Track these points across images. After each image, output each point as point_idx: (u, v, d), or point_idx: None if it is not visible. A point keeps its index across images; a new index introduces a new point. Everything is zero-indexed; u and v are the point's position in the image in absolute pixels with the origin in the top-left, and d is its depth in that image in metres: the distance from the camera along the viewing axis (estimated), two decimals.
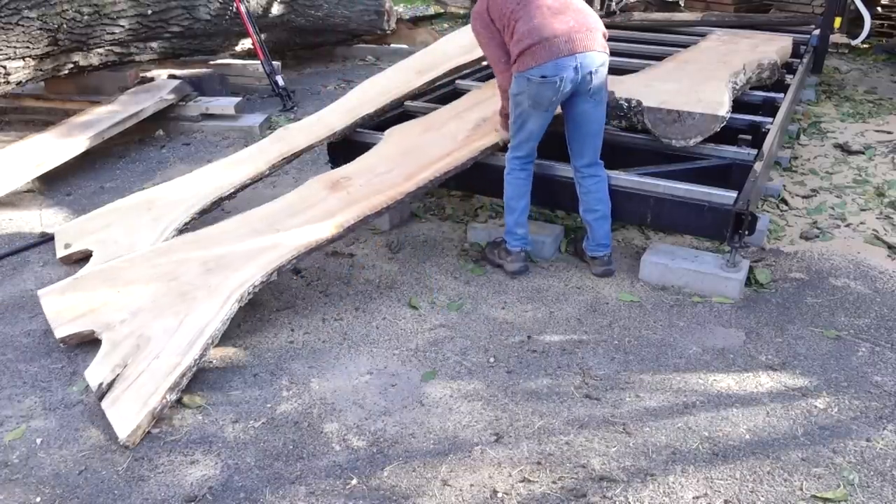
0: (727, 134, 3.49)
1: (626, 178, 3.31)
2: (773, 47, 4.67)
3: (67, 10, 4.70)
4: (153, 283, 2.84)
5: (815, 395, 2.53)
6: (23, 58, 4.59)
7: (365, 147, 3.67)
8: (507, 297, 3.13)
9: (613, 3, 6.86)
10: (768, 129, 3.62)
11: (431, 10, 9.80)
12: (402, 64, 4.38)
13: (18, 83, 4.73)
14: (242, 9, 5.57)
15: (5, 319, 3.00)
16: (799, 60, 5.06)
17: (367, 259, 3.46)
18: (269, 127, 5.22)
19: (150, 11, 5.25)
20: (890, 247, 3.53)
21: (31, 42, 4.55)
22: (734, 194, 3.07)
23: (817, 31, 5.64)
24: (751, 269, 3.22)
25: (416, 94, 4.18)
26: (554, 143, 3.27)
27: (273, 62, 5.72)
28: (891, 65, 6.97)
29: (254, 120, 5.22)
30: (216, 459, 2.28)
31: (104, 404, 2.43)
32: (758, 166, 3.23)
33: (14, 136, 4.65)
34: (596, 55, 2.91)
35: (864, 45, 7.27)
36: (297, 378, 2.65)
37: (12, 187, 4.00)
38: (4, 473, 2.24)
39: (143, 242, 3.21)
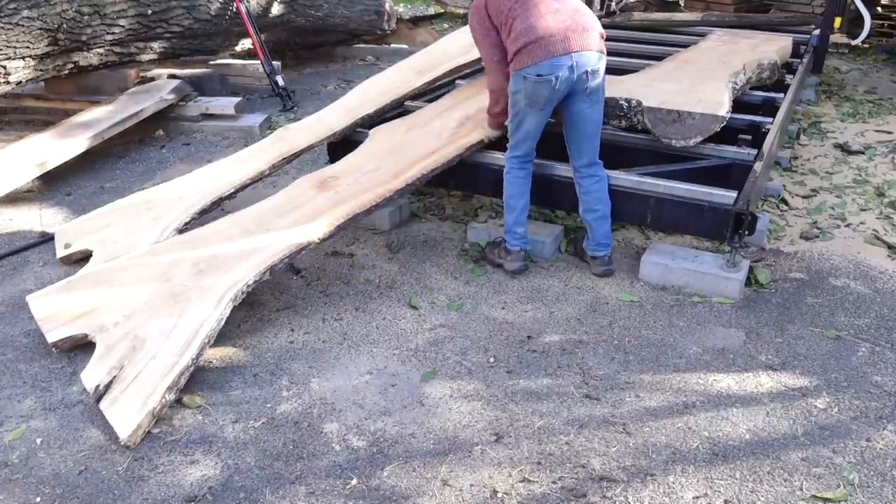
0: (727, 134, 3.49)
1: (626, 178, 3.31)
2: (773, 47, 4.67)
3: (67, 10, 4.70)
4: (145, 285, 2.84)
5: (815, 395, 2.53)
6: (23, 58, 4.59)
7: None
8: (507, 297, 3.13)
9: (613, 3, 6.86)
10: (768, 129, 3.62)
11: (431, 10, 9.79)
12: (402, 64, 4.38)
13: (18, 83, 4.73)
14: (242, 9, 5.57)
15: (5, 319, 3.00)
16: (799, 60, 5.06)
17: (367, 259, 3.46)
18: (269, 127, 5.22)
19: (150, 11, 5.25)
20: (890, 247, 3.53)
21: (31, 42, 4.55)
22: (734, 194, 3.07)
23: (817, 31, 5.64)
24: (751, 269, 3.22)
25: (416, 94, 4.19)
26: (553, 143, 3.27)
27: (273, 62, 5.72)
28: (891, 65, 6.97)
29: (254, 120, 5.22)
30: (216, 459, 2.28)
31: (102, 406, 2.43)
32: (758, 166, 3.23)
33: (14, 136, 4.65)
34: (591, 55, 2.92)
35: (864, 45, 7.27)
36: (297, 378, 2.65)
37: (12, 187, 4.00)
38: (4, 473, 2.24)
39: (143, 242, 3.21)
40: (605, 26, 3.10)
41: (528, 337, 2.87)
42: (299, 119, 4.39)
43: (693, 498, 2.12)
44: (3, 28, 4.37)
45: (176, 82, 5.25)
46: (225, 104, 5.25)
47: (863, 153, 4.65)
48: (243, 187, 3.52)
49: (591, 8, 3.16)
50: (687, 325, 2.93)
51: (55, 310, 2.82)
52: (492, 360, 2.74)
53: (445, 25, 9.03)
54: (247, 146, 3.94)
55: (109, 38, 5.07)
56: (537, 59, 2.86)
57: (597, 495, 2.13)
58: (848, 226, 3.75)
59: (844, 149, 4.72)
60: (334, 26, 6.91)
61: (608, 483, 2.17)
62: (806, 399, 2.52)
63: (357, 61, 7.34)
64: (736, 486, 2.16)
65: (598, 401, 2.52)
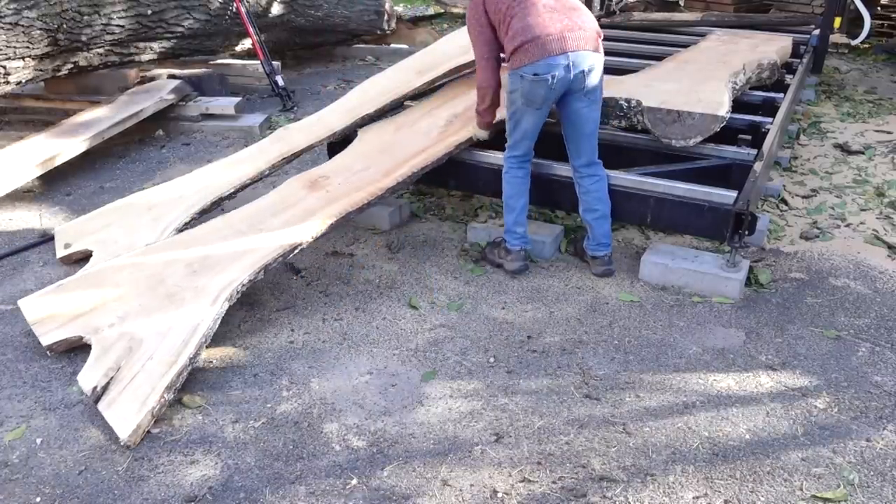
0: (727, 134, 3.49)
1: (626, 178, 3.31)
2: (773, 47, 4.67)
3: (67, 10, 4.70)
4: (139, 287, 2.85)
5: (815, 395, 2.53)
6: (23, 58, 4.59)
7: None
8: (507, 297, 3.13)
9: (613, 3, 6.86)
10: (768, 129, 3.62)
11: (431, 10, 9.79)
12: (402, 64, 4.38)
13: (18, 83, 4.73)
14: (242, 9, 5.57)
15: (5, 319, 3.00)
16: (799, 60, 5.06)
17: (367, 259, 3.46)
18: (269, 127, 5.22)
19: (150, 11, 5.25)
20: (890, 247, 3.53)
21: (31, 42, 4.55)
22: (734, 194, 3.08)
23: (817, 31, 5.64)
24: (751, 269, 3.22)
25: (416, 94, 4.19)
26: (553, 143, 3.27)
27: (273, 62, 5.72)
28: (891, 65, 6.97)
29: (254, 120, 5.22)
30: (216, 459, 2.28)
31: (101, 407, 2.43)
32: (758, 166, 3.23)
33: (14, 136, 4.65)
34: (587, 55, 2.92)
35: (864, 45, 7.27)
36: (297, 378, 2.65)
37: (12, 187, 4.00)
38: (4, 473, 2.24)
39: (143, 242, 3.21)
40: (605, 26, 3.11)
41: (528, 337, 2.87)
42: (299, 119, 4.39)
43: (693, 498, 2.12)
44: (3, 28, 4.37)
45: (176, 82, 5.25)
46: (225, 104, 5.25)
47: (863, 153, 4.65)
48: (243, 187, 3.52)
49: (590, 8, 3.17)
50: (687, 325, 2.93)
51: (48, 313, 2.82)
52: (492, 360, 2.74)
53: (445, 25, 9.03)
54: (247, 146, 3.94)
55: (109, 38, 5.07)
56: (534, 58, 2.87)
57: (597, 495, 2.13)
58: (848, 226, 3.75)
59: (844, 149, 4.72)
60: (334, 26, 6.91)
61: (608, 483, 2.17)
62: (806, 399, 2.52)
63: (357, 61, 7.34)
64: (736, 486, 2.16)
65: (598, 401, 2.52)
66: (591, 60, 2.94)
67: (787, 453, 2.28)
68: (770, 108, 4.06)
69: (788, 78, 4.54)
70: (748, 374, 2.65)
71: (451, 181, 3.75)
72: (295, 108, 5.63)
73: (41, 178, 4.21)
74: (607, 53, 3.51)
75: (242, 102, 5.39)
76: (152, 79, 5.37)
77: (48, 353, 2.75)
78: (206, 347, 2.66)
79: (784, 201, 4.01)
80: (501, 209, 3.38)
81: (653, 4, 8.23)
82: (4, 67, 4.51)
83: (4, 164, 4.08)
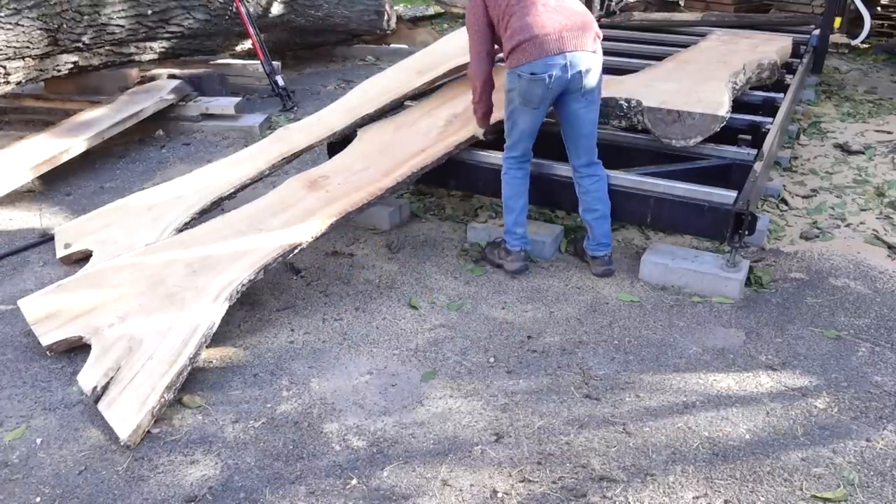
0: (727, 134, 3.49)
1: (626, 178, 3.31)
2: (773, 47, 4.67)
3: (67, 10, 4.70)
4: (139, 287, 2.85)
5: (815, 395, 2.53)
6: (23, 58, 4.59)
7: None
8: (507, 297, 3.13)
9: (613, 3, 6.86)
10: (768, 129, 3.62)
11: (431, 10, 9.79)
12: (402, 64, 4.38)
13: (18, 83, 4.73)
14: (242, 9, 5.57)
15: (5, 319, 3.00)
16: (799, 60, 5.06)
17: (367, 259, 3.46)
18: (269, 127, 5.22)
19: (150, 11, 5.25)
20: (890, 247, 3.53)
21: (31, 42, 4.55)
22: (734, 194, 3.08)
23: (817, 31, 5.64)
24: (751, 269, 3.22)
25: (416, 94, 4.19)
26: (553, 143, 3.27)
27: (273, 62, 5.72)
28: (891, 65, 6.96)
29: (254, 120, 5.22)
30: (216, 459, 2.28)
31: (101, 407, 2.43)
32: (758, 166, 3.23)
33: (14, 136, 4.65)
34: (585, 55, 2.92)
35: (864, 45, 7.27)
36: (297, 378, 2.65)
37: (12, 187, 4.00)
38: (4, 473, 2.24)
39: (143, 242, 3.22)
40: (604, 26, 3.12)
41: (528, 337, 2.87)
42: (299, 119, 4.39)
43: (693, 498, 2.12)
44: (3, 28, 4.37)
45: (176, 82, 5.25)
46: (225, 104, 5.25)
47: (863, 153, 4.65)
48: (243, 187, 3.52)
49: (590, 8, 3.17)
50: (687, 325, 2.93)
51: (48, 313, 2.82)
52: (492, 360, 2.74)
53: (445, 25, 9.03)
54: (247, 146, 3.94)
55: (109, 38, 5.07)
56: (531, 57, 2.87)
57: (597, 495, 2.13)
58: (848, 226, 3.75)
59: (844, 149, 4.72)
60: (334, 26, 6.91)
61: (608, 483, 2.17)
62: (806, 399, 2.52)
63: (357, 61, 7.34)
64: (736, 486, 2.16)
65: (598, 401, 2.52)
66: (589, 61, 2.94)
67: (787, 453, 2.28)
68: (770, 108, 4.06)
69: (788, 78, 4.54)
70: (748, 374, 2.65)
71: (451, 181, 3.75)
72: (295, 108, 5.63)
73: (41, 178, 4.21)
74: (607, 53, 3.51)
75: (242, 102, 5.39)
76: (152, 79, 5.37)
77: (48, 353, 2.75)
78: (206, 347, 2.66)
79: (784, 201, 4.01)
80: (501, 209, 3.38)
81: (653, 4, 8.23)
82: (4, 67, 4.51)
83: (4, 164, 4.08)
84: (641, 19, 6.30)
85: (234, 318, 2.97)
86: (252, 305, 3.08)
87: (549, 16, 2.91)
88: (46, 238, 3.64)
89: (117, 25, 5.06)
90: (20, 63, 4.60)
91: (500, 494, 2.14)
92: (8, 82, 4.62)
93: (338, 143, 3.85)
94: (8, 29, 4.39)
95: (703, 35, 5.40)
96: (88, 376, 2.53)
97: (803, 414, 2.45)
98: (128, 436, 2.31)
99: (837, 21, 5.63)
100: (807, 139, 4.93)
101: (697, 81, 3.82)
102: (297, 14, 6.43)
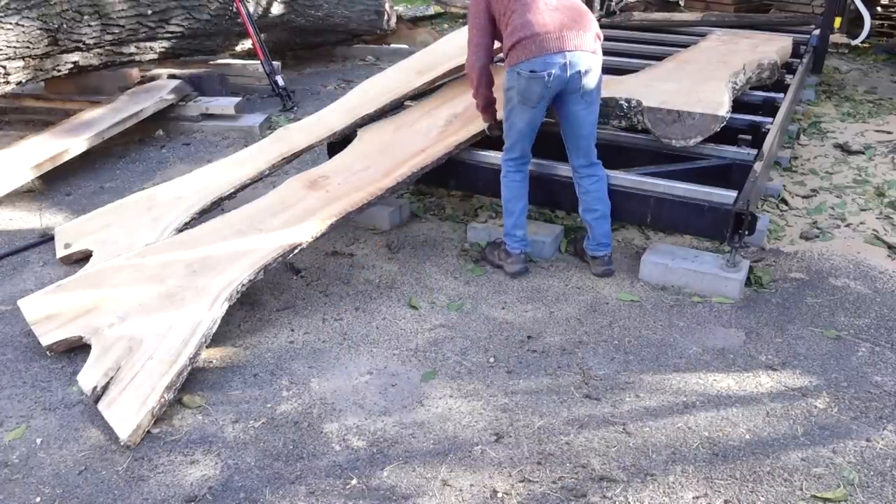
0: (727, 134, 3.49)
1: (626, 178, 3.31)
2: (773, 47, 4.67)
3: (67, 10, 4.70)
4: (139, 287, 2.85)
5: (815, 395, 2.53)
6: (23, 58, 4.59)
7: None
8: (507, 297, 3.13)
9: (613, 3, 6.86)
10: (768, 129, 3.62)
11: (431, 10, 9.79)
12: (402, 64, 4.38)
13: (18, 83, 4.73)
14: (242, 9, 5.57)
15: (5, 319, 3.00)
16: (799, 60, 5.06)
17: (367, 259, 3.46)
18: (269, 127, 5.22)
19: (150, 12, 5.25)
20: (890, 247, 3.53)
21: (31, 42, 4.55)
22: (734, 194, 3.08)
23: (817, 31, 5.64)
24: (751, 269, 3.22)
25: (416, 94, 4.19)
26: (553, 143, 3.27)
27: (273, 62, 5.72)
28: (891, 65, 6.96)
29: (254, 120, 5.22)
30: (216, 459, 2.28)
31: (101, 407, 2.43)
32: (758, 166, 3.23)
33: (14, 136, 4.65)
34: (585, 55, 2.92)
35: (864, 45, 7.27)
36: (297, 378, 2.65)
37: (12, 187, 4.00)
38: (4, 473, 2.24)
39: (143, 242, 3.22)
40: (605, 26, 3.12)
41: (528, 337, 2.87)
42: (299, 119, 4.39)
43: (693, 498, 2.12)
44: (3, 28, 4.37)
45: (176, 82, 5.25)
46: (225, 104, 5.25)
47: (863, 153, 4.65)
48: (243, 187, 3.53)
49: (590, 8, 3.16)
50: (687, 325, 2.93)
51: (48, 313, 2.82)
52: (492, 360, 2.74)
53: (445, 25, 9.03)
54: (247, 146, 3.94)
55: (109, 38, 5.07)
56: (531, 55, 2.87)
57: (597, 495, 2.13)
58: (848, 226, 3.75)
59: (844, 149, 4.72)
60: (334, 26, 6.91)
61: (608, 483, 2.17)
62: (806, 399, 2.52)
63: (357, 61, 7.34)
64: (736, 486, 2.16)
65: (598, 401, 2.52)
66: (589, 61, 2.94)
67: (787, 453, 2.28)
68: (770, 108, 4.06)
69: (788, 78, 4.54)
70: (748, 374, 2.65)
71: (451, 181, 3.75)
72: (295, 108, 5.63)
73: (41, 178, 4.21)
74: (607, 53, 3.51)
75: (242, 102, 5.39)
76: (152, 79, 5.37)
77: (48, 353, 2.75)
78: (206, 347, 2.66)
79: (784, 201, 4.01)
80: (501, 209, 3.38)
81: (653, 4, 8.23)
82: (4, 67, 4.51)
83: (5, 164, 4.08)
84: (641, 19, 6.30)
85: (234, 318, 2.97)
86: (252, 305, 3.08)
87: (550, 14, 2.91)
88: (46, 238, 3.64)
89: (117, 25, 5.06)
90: (20, 63, 4.60)
91: (500, 494, 2.14)
92: (8, 82, 4.62)
93: (338, 143, 3.85)
94: (8, 29, 4.40)
95: (703, 35, 5.40)
96: (88, 376, 2.53)
97: (803, 414, 2.45)
98: (128, 436, 2.31)
99: (837, 21, 5.63)
100: (807, 139, 4.93)
101: (697, 81, 3.82)
102: (297, 14, 6.43)
